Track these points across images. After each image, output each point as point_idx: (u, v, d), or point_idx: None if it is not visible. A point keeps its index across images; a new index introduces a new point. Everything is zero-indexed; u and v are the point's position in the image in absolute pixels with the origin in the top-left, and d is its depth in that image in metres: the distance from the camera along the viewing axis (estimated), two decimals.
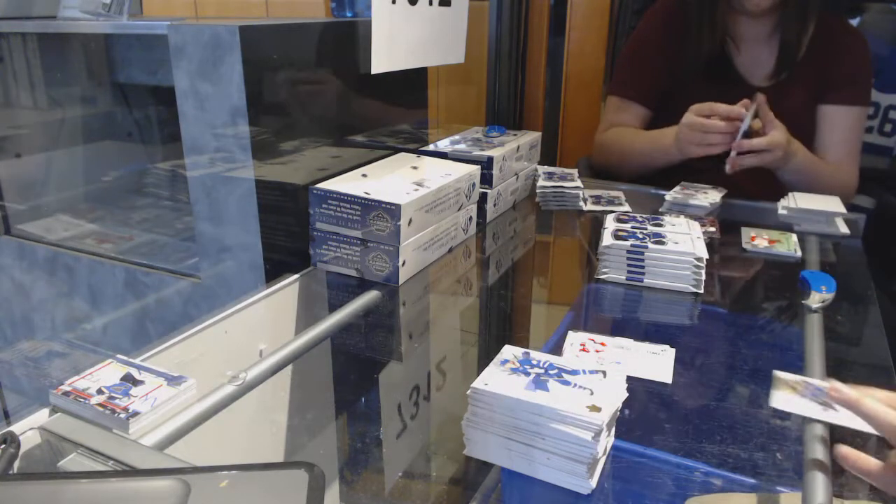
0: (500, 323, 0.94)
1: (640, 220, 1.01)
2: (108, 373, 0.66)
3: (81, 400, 0.61)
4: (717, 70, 1.33)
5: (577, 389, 0.56)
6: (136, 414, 0.60)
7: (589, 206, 1.24)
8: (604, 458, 0.58)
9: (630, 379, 0.64)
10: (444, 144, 1.25)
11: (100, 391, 0.63)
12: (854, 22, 1.73)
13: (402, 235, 0.91)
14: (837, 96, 1.31)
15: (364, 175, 1.03)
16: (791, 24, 1.28)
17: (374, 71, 0.93)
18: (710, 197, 1.21)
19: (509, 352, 0.62)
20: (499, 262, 1.10)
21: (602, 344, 0.76)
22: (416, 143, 1.28)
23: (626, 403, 0.61)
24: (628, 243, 0.92)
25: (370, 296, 0.92)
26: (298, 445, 0.93)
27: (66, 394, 0.62)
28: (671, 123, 1.27)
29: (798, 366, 0.74)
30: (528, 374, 0.58)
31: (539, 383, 0.57)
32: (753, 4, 1.26)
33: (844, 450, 0.52)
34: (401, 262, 0.93)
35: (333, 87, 1.09)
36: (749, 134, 1.14)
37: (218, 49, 0.91)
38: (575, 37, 1.70)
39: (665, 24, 1.39)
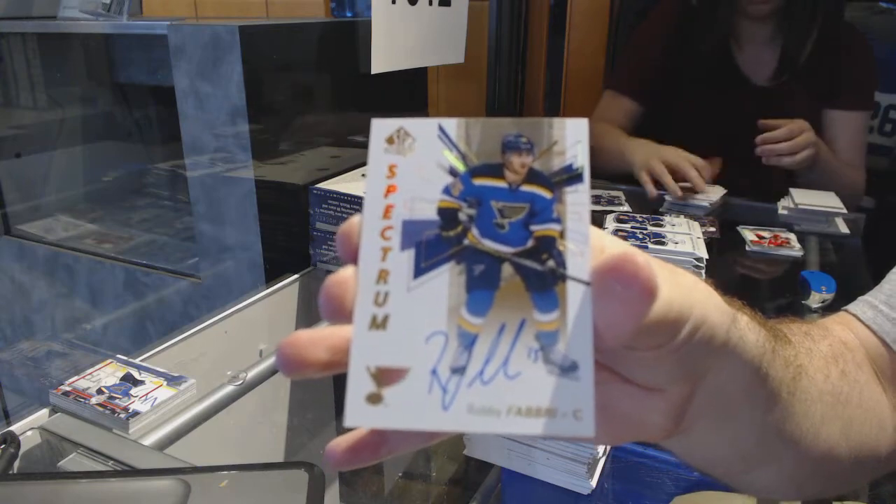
0: None
1: (640, 220, 1.01)
2: (108, 373, 0.66)
3: (81, 400, 0.61)
4: (719, 70, 1.33)
5: None
6: (135, 414, 0.60)
7: None
8: (603, 458, 0.58)
9: None
10: None
11: (100, 391, 0.63)
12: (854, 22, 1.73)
13: None
14: (844, 101, 1.31)
15: (364, 175, 1.03)
16: (794, 26, 1.28)
17: (373, 71, 0.93)
18: (710, 197, 1.21)
19: None
20: None
21: None
22: None
23: None
24: (628, 243, 0.92)
25: None
26: (298, 445, 0.93)
27: (66, 394, 0.62)
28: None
29: None
30: None
31: None
32: (755, 9, 1.26)
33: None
34: None
35: (333, 86, 1.09)
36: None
37: (218, 49, 0.91)
38: (575, 37, 1.70)
39: (666, 23, 1.39)
